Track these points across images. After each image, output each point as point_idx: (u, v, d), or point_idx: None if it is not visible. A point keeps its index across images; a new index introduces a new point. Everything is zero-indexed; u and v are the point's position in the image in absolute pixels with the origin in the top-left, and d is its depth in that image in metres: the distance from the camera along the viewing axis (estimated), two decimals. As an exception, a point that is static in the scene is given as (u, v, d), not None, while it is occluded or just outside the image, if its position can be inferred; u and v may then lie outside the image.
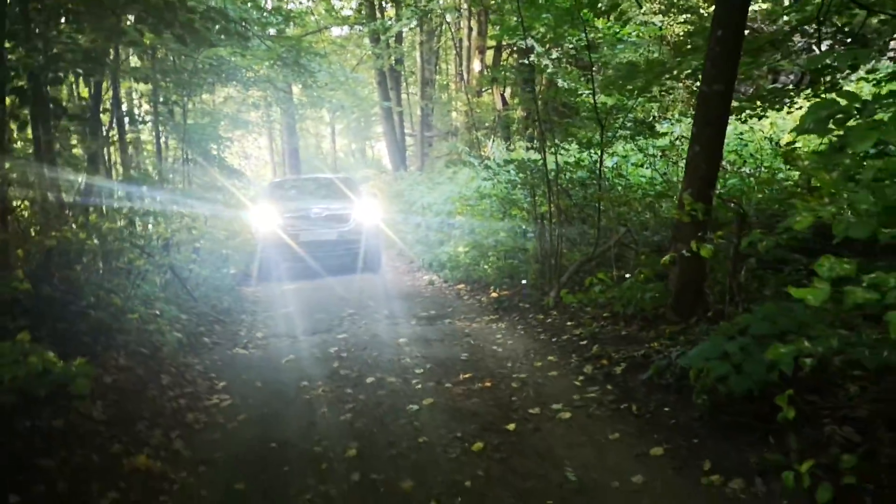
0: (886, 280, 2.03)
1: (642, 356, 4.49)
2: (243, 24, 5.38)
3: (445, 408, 4.22)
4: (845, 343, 2.48)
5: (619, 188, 8.01)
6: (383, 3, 20.73)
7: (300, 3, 19.68)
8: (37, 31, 3.75)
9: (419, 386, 4.68)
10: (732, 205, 3.93)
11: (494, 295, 7.94)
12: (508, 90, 18.06)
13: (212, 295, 8.21)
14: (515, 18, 8.05)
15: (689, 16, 14.26)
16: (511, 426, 3.82)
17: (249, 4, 7.50)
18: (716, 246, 3.74)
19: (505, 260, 8.91)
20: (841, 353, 2.47)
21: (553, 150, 7.93)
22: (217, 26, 4.57)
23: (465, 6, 17.89)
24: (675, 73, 6.57)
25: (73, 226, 5.56)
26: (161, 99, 9.82)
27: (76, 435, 3.96)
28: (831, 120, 2.28)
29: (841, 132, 2.22)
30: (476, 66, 18.38)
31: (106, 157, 7.82)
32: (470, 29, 18.50)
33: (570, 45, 9.05)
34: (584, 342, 5.23)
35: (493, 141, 16.36)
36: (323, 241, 10.44)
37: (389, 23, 18.88)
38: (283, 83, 14.65)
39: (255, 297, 9.36)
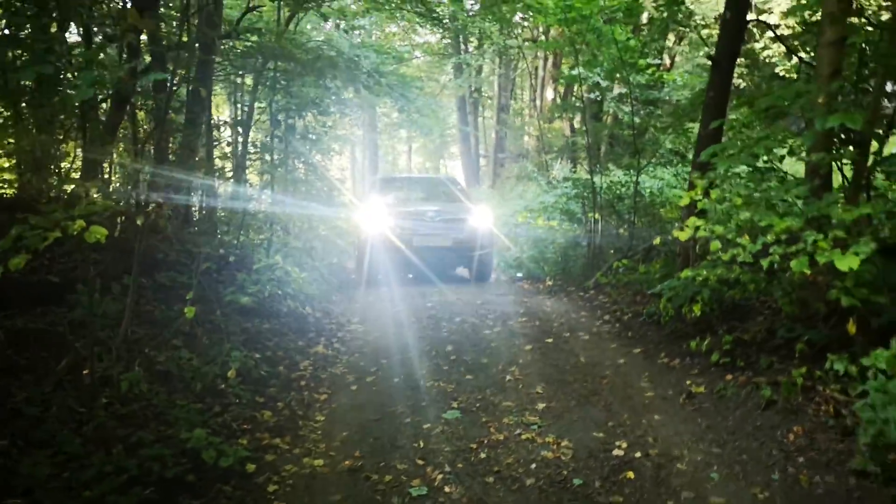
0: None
1: (643, 310, 6.60)
2: (376, 73, 7.80)
3: (508, 332, 6.49)
4: (729, 273, 4.55)
5: (654, 204, 10.08)
6: (468, 37, 23.16)
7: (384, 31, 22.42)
8: (284, 84, 6.27)
9: (490, 322, 6.96)
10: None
11: (549, 283, 10.11)
12: (577, 118, 20.05)
13: (327, 273, 10.70)
14: (573, 65, 10.27)
15: (744, 59, 16.02)
16: (549, 340, 6.06)
17: (374, 55, 9.88)
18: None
19: (559, 258, 11.05)
20: (721, 277, 4.54)
21: (601, 171, 10.08)
22: (370, 79, 7.04)
23: (542, 40, 19.90)
24: (690, 116, 8.64)
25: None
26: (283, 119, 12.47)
27: (276, 333, 6.42)
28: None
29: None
30: (549, 94, 20.43)
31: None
32: (545, 59, 20.48)
33: (632, 84, 11.04)
34: (608, 304, 7.38)
35: (560, 163, 18.48)
36: (437, 246, 9.62)
37: (472, 56, 21.26)
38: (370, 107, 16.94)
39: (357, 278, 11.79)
